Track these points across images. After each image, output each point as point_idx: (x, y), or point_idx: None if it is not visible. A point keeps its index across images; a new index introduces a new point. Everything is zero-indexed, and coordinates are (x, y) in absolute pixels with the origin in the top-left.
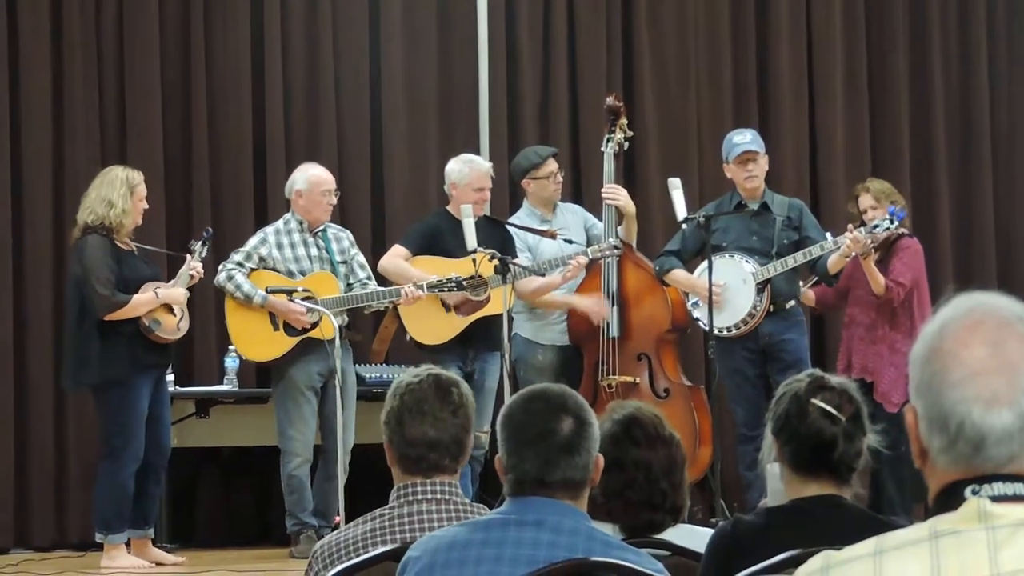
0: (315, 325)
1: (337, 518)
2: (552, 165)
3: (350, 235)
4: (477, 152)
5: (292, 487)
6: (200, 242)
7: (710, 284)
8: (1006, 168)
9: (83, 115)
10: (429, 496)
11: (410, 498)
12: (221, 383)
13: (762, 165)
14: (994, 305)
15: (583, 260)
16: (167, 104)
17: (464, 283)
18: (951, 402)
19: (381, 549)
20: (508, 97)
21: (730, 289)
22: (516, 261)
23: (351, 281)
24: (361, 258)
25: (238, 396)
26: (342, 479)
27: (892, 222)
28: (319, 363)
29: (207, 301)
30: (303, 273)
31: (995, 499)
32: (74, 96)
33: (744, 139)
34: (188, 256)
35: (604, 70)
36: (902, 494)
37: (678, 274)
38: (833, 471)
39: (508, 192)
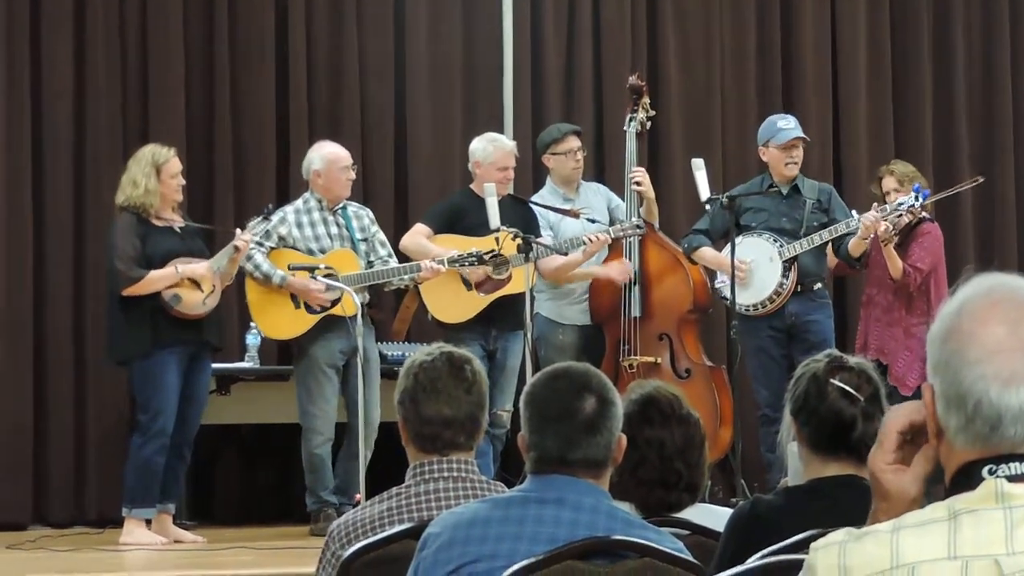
0: (336, 303)
1: (358, 496)
2: (573, 142)
3: (370, 212)
4: (501, 131)
5: (313, 465)
6: (260, 217)
7: (732, 263)
8: None
9: (105, 93)
10: (446, 474)
11: (426, 476)
12: (243, 360)
13: (802, 152)
14: (1013, 285)
15: (604, 236)
16: (190, 81)
17: (484, 257)
18: (969, 381)
19: (398, 528)
20: (532, 76)
21: (756, 266)
22: (539, 240)
23: (372, 259)
24: (382, 235)
25: (259, 373)
26: (367, 456)
27: (917, 200)
28: (340, 341)
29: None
30: (323, 251)
31: (1012, 479)
32: (96, 73)
33: (789, 125)
34: (237, 230)
35: (628, 50)
36: None
37: (705, 252)
38: (852, 451)
39: (532, 171)
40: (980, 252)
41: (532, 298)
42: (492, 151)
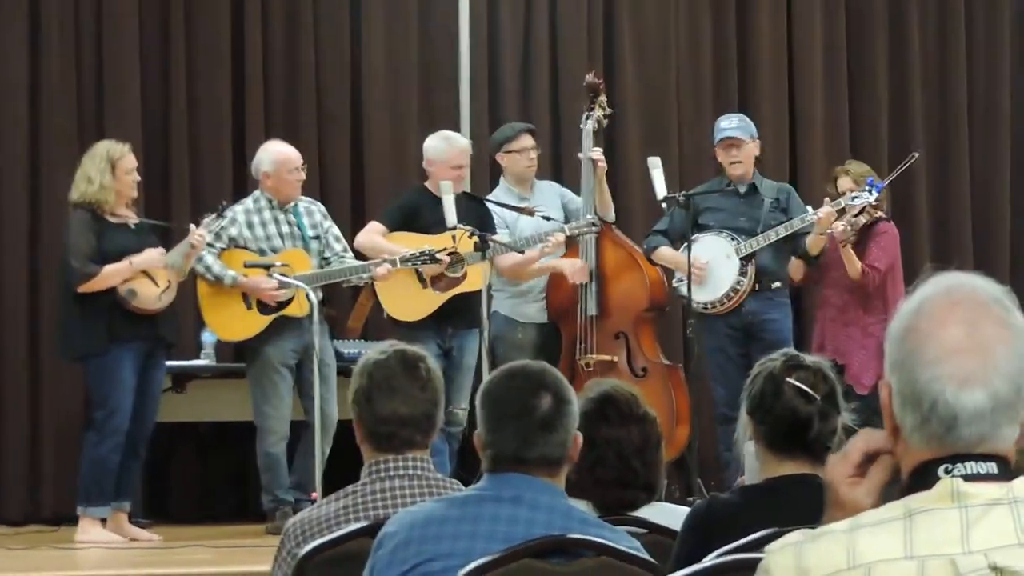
0: (288, 302)
1: (314, 494)
2: (526, 140)
3: (322, 207)
4: (457, 128)
5: (268, 464)
6: (215, 215)
7: (688, 262)
8: (983, 150)
9: (60, 88)
10: (401, 472)
11: (382, 475)
12: (198, 358)
13: (748, 151)
14: (972, 286)
15: (561, 237)
16: (145, 76)
17: (437, 255)
18: (925, 380)
19: (354, 526)
20: (488, 74)
21: (714, 264)
22: (495, 238)
23: (327, 255)
24: (336, 230)
25: (215, 371)
26: (325, 454)
27: (871, 193)
28: (293, 340)
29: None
30: (274, 251)
31: (967, 478)
32: (51, 67)
33: (729, 124)
34: (191, 227)
35: (584, 48)
36: None
37: (664, 251)
38: (808, 450)
39: (489, 169)
40: (935, 249)
41: (489, 296)
42: (445, 149)
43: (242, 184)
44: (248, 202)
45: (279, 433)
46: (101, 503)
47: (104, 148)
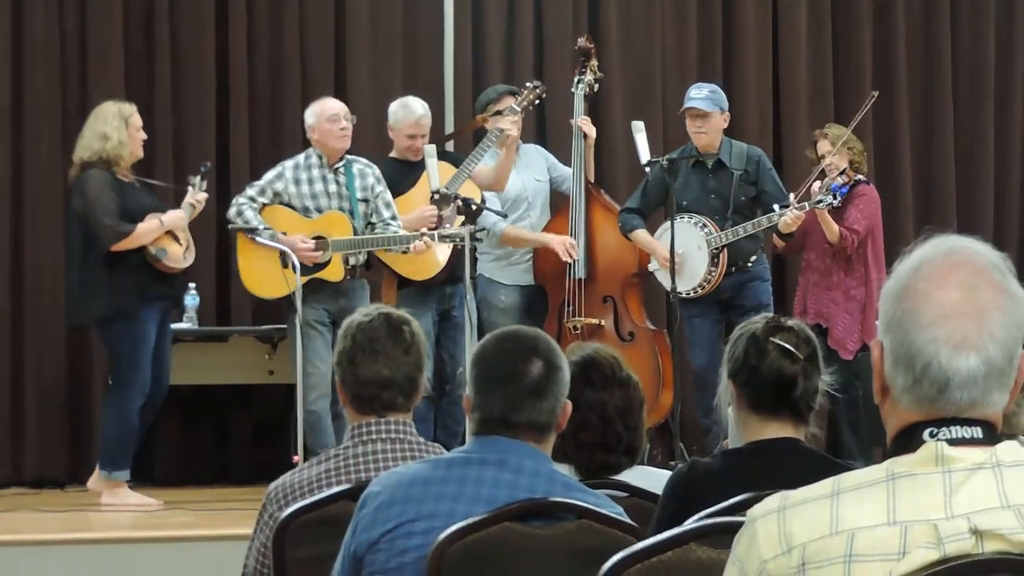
0: (325, 264)
1: (296, 457)
2: (509, 102)
3: (376, 171)
4: (441, 93)
5: (311, 423)
6: (199, 176)
7: (672, 246)
8: (967, 115)
9: (43, 50)
10: (384, 435)
11: (364, 438)
12: (180, 320)
13: (714, 123)
14: (972, 250)
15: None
16: (129, 40)
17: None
18: (920, 342)
19: (336, 489)
20: (473, 37)
21: (686, 255)
22: (485, 206)
23: (374, 220)
24: (387, 196)
25: (198, 334)
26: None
27: (835, 198)
28: (329, 302)
29: None
30: (319, 210)
31: (952, 442)
32: (35, 32)
33: (698, 94)
34: (189, 188)
35: (570, 11)
36: (859, 439)
37: (639, 235)
38: (792, 409)
39: (473, 133)
40: (918, 214)
41: (474, 259)
42: (402, 117)
43: (225, 148)
44: (300, 158)
45: (320, 389)
46: (125, 466)
47: (115, 106)
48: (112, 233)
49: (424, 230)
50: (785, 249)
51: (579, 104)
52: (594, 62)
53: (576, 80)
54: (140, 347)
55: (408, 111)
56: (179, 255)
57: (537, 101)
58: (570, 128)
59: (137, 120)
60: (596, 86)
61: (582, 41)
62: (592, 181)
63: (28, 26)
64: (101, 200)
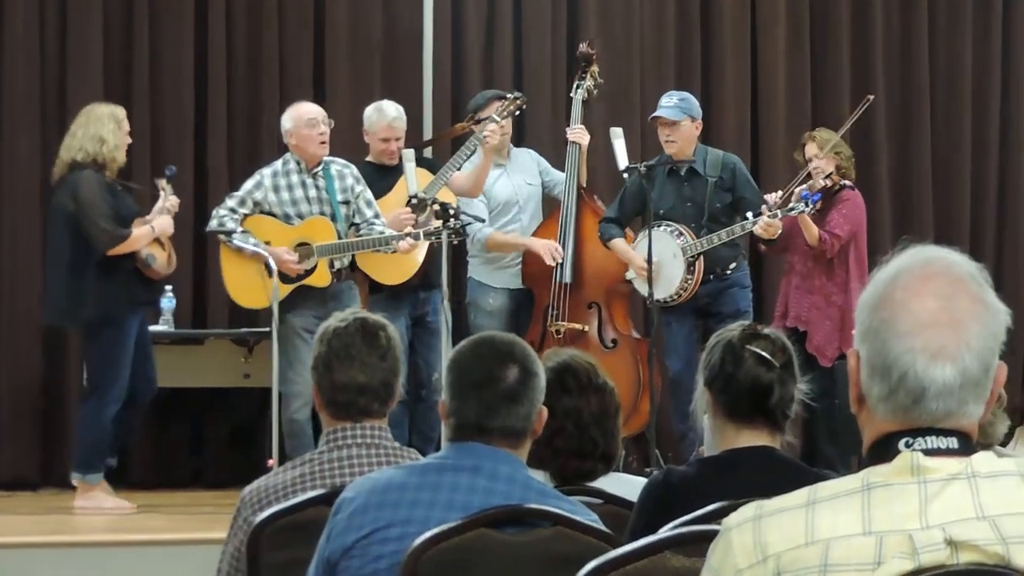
0: (310, 272)
1: (271, 461)
2: (495, 107)
3: (355, 170)
4: (420, 98)
5: (293, 431)
6: (164, 179)
7: (650, 252)
8: (945, 118)
9: (23, 45)
10: (359, 441)
11: (339, 443)
12: (156, 323)
13: (683, 131)
14: (949, 260)
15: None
16: (108, 30)
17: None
18: (896, 351)
19: (310, 494)
20: (452, 43)
21: (661, 263)
22: (463, 211)
23: (356, 220)
24: (368, 194)
25: (173, 337)
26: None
27: (807, 205)
28: (315, 308)
29: None
30: (300, 217)
31: (928, 452)
32: (15, 21)
33: (668, 103)
34: (162, 192)
35: (549, 17)
36: (836, 447)
37: (617, 244)
38: (768, 417)
39: (452, 138)
40: (895, 219)
41: (450, 262)
42: (375, 120)
43: (203, 140)
44: (277, 165)
45: (304, 398)
46: (97, 469)
47: (107, 109)
48: (109, 237)
49: (409, 229)
50: (768, 250)
51: (576, 109)
52: (595, 68)
53: (576, 85)
54: (122, 352)
55: (381, 114)
56: (164, 261)
57: (518, 112)
58: (551, 133)
59: (127, 125)
60: (595, 92)
61: (583, 47)
62: (585, 186)
63: (8, 27)
64: (96, 203)
